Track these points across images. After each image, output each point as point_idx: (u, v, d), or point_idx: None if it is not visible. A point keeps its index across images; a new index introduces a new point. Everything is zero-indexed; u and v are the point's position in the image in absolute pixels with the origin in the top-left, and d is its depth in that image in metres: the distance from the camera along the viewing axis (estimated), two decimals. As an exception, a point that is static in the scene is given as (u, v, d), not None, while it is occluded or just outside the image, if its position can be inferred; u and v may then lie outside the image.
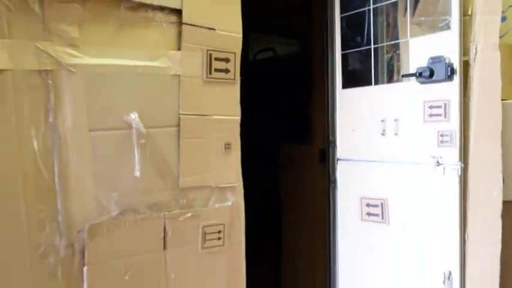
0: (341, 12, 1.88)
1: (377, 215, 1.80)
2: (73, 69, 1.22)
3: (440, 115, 1.56)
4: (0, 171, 1.12)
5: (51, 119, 1.20)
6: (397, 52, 1.73)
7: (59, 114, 1.21)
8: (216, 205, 1.54)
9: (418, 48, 1.62)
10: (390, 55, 1.77)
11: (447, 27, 1.53)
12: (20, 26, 1.14)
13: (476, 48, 1.53)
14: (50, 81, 1.19)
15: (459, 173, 1.53)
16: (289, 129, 2.48)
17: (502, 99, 1.62)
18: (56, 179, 1.22)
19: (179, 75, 1.41)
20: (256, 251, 1.78)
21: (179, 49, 1.42)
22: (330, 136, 1.99)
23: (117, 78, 1.30)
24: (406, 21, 1.67)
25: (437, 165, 1.57)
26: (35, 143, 1.18)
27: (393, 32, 1.75)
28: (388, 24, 1.77)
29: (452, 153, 1.54)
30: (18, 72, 1.14)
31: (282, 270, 2.53)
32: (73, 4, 1.22)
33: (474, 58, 1.54)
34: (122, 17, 1.31)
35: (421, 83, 1.60)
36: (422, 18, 1.61)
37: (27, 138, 1.16)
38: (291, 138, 2.46)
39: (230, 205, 1.57)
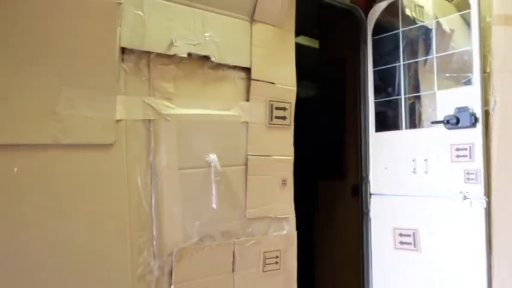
0: (374, 67, 2.17)
1: (409, 243, 2.02)
2: (169, 118, 1.48)
3: (466, 156, 1.82)
4: (113, 202, 1.36)
5: (151, 159, 1.45)
6: (425, 102, 2.01)
7: (157, 155, 1.46)
8: (274, 233, 1.77)
9: (445, 99, 1.90)
10: (419, 104, 2.05)
11: (470, 82, 1.81)
12: (132, 85, 1.41)
13: (494, 101, 1.81)
14: (151, 128, 1.45)
15: (484, 206, 1.77)
16: (325, 166, 2.74)
17: (517, 143, 1.88)
18: (153, 210, 1.45)
19: (247, 122, 1.68)
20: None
21: (247, 100, 1.69)
22: (363, 173, 2.24)
23: (200, 125, 1.56)
24: (433, 76, 1.96)
25: (465, 199, 1.82)
26: (139, 179, 1.42)
27: (421, 84, 2.04)
28: (416, 78, 2.06)
29: (478, 189, 1.79)
30: (129, 121, 1.40)
31: None
32: (170, 65, 1.50)
33: (493, 108, 1.81)
34: (205, 74, 1.59)
35: (448, 128, 1.87)
36: (448, 74, 1.90)
37: (133, 175, 1.41)
38: (327, 175, 2.72)
39: (285, 234, 1.80)
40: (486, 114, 1.82)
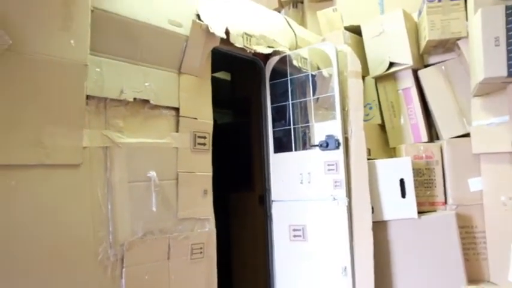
0: (271, 104, 2.90)
1: (300, 236, 2.72)
2: (120, 146, 2.03)
3: (334, 170, 2.58)
4: (82, 205, 1.87)
5: (107, 175, 1.98)
6: (307, 131, 2.76)
7: (112, 172, 1.99)
8: (199, 230, 2.35)
9: (319, 129, 2.66)
10: (303, 132, 2.79)
11: (334, 117, 2.59)
12: (94, 121, 1.94)
13: (351, 130, 2.60)
14: (108, 153, 1.99)
15: (346, 204, 2.52)
16: (236, 181, 3.41)
17: (370, 159, 2.69)
18: (109, 213, 1.98)
19: (177, 148, 2.27)
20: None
21: (177, 131, 2.29)
22: (266, 185, 2.92)
23: (143, 150, 2.12)
24: (311, 112, 2.72)
25: (334, 200, 2.56)
26: (99, 190, 1.94)
27: (304, 118, 2.79)
28: (301, 113, 2.81)
29: (342, 193, 2.55)
30: (91, 148, 1.93)
31: (233, 282, 3.40)
32: (121, 107, 2.06)
33: (350, 136, 2.60)
34: (146, 113, 2.16)
35: (322, 150, 2.62)
36: (320, 112, 2.67)
37: (95, 186, 1.93)
38: (238, 188, 3.39)
39: (207, 230, 2.39)
40: (346, 139, 2.61)
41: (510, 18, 2.18)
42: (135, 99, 2.09)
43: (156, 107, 2.21)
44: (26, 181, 1.70)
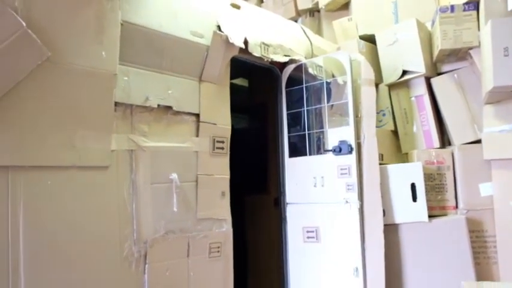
0: (287, 110, 3.01)
1: (313, 237, 2.82)
2: (144, 149, 2.17)
3: (346, 173, 2.68)
4: (109, 204, 2.01)
5: (133, 177, 2.12)
6: (321, 136, 2.86)
7: (137, 174, 2.13)
8: (217, 230, 2.48)
9: (333, 135, 2.76)
10: (317, 137, 2.90)
11: (347, 124, 2.69)
12: (121, 126, 2.09)
13: (364, 136, 2.70)
14: (133, 156, 2.13)
15: (358, 207, 2.62)
16: (253, 184, 3.53)
17: (382, 163, 2.79)
18: (134, 212, 2.12)
19: (197, 151, 2.41)
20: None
21: (197, 136, 2.42)
22: (281, 188, 3.03)
23: (165, 154, 2.26)
24: (325, 118, 2.83)
25: (346, 203, 2.66)
26: (124, 190, 2.09)
27: (319, 123, 2.90)
28: (315, 119, 2.92)
29: (354, 196, 2.64)
30: (119, 151, 2.07)
31: (248, 280, 3.53)
32: (146, 113, 2.20)
33: (363, 141, 2.70)
34: (169, 118, 2.30)
35: (335, 155, 2.72)
36: (334, 118, 2.77)
37: (121, 187, 2.07)
38: (254, 191, 3.52)
39: (224, 230, 2.51)
40: (358, 145, 2.70)
41: (519, 30, 2.25)
42: (159, 105, 2.23)
43: (178, 113, 2.35)
44: (60, 181, 1.85)
